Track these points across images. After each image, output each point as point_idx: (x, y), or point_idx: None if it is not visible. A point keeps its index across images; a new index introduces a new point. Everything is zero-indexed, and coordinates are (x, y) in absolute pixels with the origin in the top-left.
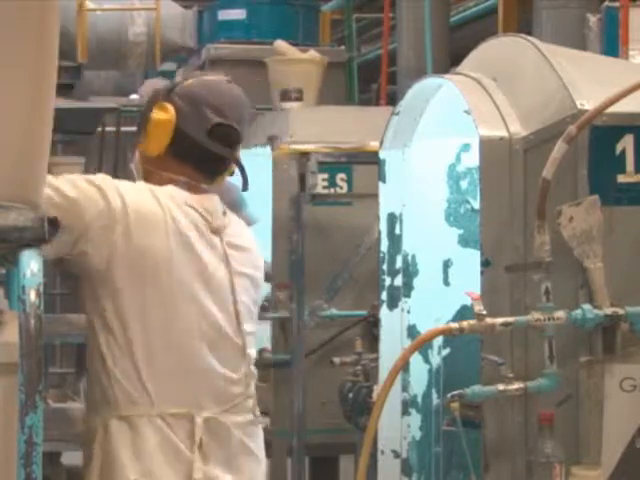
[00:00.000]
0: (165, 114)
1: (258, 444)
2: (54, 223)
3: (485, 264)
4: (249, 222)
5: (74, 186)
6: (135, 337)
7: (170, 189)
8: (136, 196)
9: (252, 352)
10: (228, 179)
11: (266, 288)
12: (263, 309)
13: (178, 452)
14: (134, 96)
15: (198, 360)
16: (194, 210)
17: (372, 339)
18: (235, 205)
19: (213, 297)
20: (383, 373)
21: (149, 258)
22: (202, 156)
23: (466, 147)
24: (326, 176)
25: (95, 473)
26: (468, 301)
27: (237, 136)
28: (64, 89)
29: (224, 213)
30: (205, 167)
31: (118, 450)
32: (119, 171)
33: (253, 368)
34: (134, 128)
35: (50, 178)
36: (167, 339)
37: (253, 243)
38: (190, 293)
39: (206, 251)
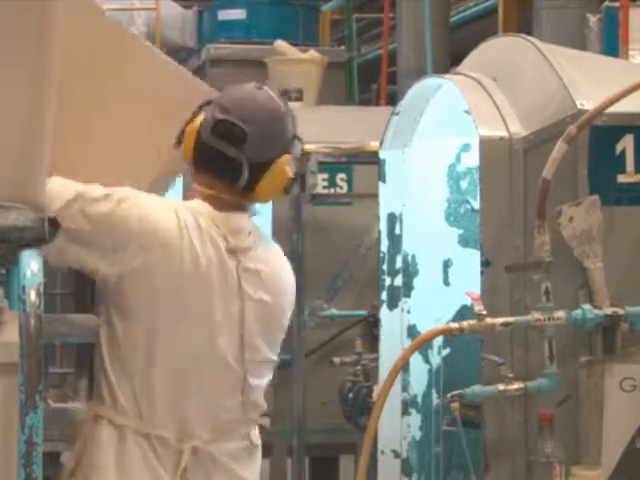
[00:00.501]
0: (191, 123)
1: (252, 471)
2: (54, 223)
3: (485, 264)
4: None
5: (92, 203)
6: (138, 361)
7: (197, 205)
8: (155, 214)
9: (257, 381)
10: None
11: None
12: None
13: (159, 476)
14: None
15: (196, 387)
16: (217, 228)
17: (372, 339)
18: None
19: (219, 323)
20: (383, 373)
21: (160, 279)
22: (210, 156)
23: (466, 147)
24: (326, 176)
25: (72, 462)
26: (468, 301)
27: (240, 133)
28: None
29: (249, 233)
30: (217, 170)
31: (101, 453)
32: None
33: (257, 397)
34: None
35: (72, 188)
36: (170, 365)
37: (279, 267)
38: (198, 319)
39: (218, 275)
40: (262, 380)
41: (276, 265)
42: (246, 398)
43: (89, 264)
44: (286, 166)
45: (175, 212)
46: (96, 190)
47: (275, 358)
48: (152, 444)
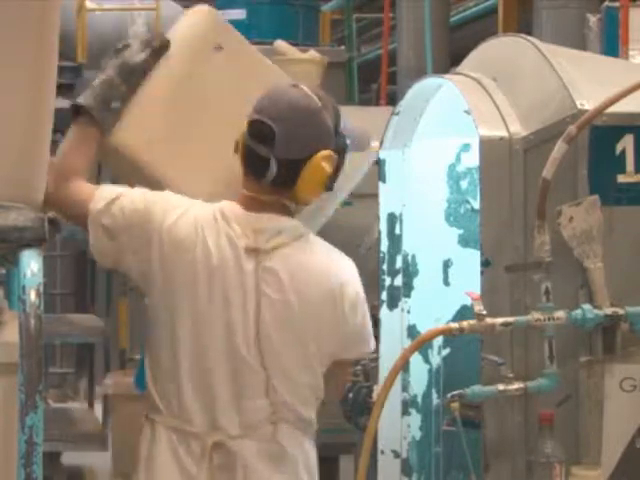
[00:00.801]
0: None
1: (289, 471)
2: (54, 223)
3: (485, 264)
4: None
5: (131, 203)
6: (165, 360)
7: (223, 205)
8: (176, 217)
9: (286, 384)
10: None
11: None
12: None
13: (185, 469)
14: None
15: (219, 385)
16: (239, 227)
17: None
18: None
19: (235, 323)
20: (383, 373)
21: (175, 277)
22: (248, 157)
23: (466, 147)
24: None
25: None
26: (468, 301)
27: (269, 131)
28: (64, 89)
29: (278, 233)
30: (252, 170)
31: (141, 448)
32: None
33: (290, 399)
34: None
35: (115, 190)
36: (193, 363)
37: (314, 270)
38: (212, 318)
39: (234, 274)
40: (293, 383)
41: (310, 267)
42: (274, 399)
43: (122, 263)
44: (323, 162)
45: (194, 215)
46: (134, 192)
47: (311, 362)
48: (182, 438)
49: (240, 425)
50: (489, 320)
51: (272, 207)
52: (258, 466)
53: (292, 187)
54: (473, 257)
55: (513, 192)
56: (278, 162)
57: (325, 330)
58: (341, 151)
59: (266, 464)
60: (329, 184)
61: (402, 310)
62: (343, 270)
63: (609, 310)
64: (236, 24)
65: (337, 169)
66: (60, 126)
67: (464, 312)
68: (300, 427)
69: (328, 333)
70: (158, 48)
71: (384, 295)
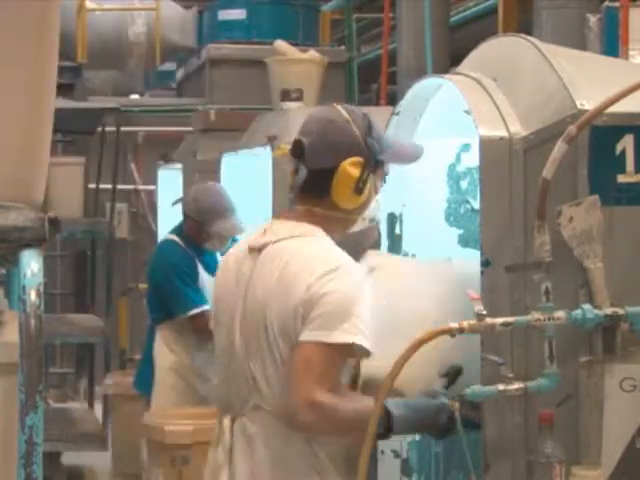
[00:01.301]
0: None
1: (249, 465)
2: (55, 223)
3: (485, 264)
4: (234, 231)
5: None
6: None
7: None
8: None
9: (261, 374)
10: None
11: None
12: None
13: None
14: (134, 96)
15: (222, 376)
16: (257, 234)
17: None
18: (226, 210)
19: (233, 319)
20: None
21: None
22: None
23: (466, 147)
24: None
25: None
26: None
27: (300, 145)
28: (64, 89)
29: (266, 231)
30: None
31: None
32: (119, 171)
33: (263, 385)
34: (134, 128)
35: None
36: (218, 357)
37: (282, 257)
38: (222, 318)
39: (236, 274)
40: (271, 372)
41: (279, 256)
42: (254, 388)
43: None
44: (350, 168)
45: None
46: None
47: (276, 351)
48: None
49: (231, 411)
50: (489, 320)
51: (303, 215)
52: (240, 450)
53: (326, 196)
54: (473, 257)
55: (513, 192)
56: (309, 172)
57: (280, 311)
58: (372, 159)
59: (247, 449)
60: (358, 187)
61: None
62: (312, 258)
63: (609, 310)
64: (236, 24)
65: (367, 174)
66: (60, 126)
67: None
68: (283, 417)
69: (282, 312)
70: None
71: None
